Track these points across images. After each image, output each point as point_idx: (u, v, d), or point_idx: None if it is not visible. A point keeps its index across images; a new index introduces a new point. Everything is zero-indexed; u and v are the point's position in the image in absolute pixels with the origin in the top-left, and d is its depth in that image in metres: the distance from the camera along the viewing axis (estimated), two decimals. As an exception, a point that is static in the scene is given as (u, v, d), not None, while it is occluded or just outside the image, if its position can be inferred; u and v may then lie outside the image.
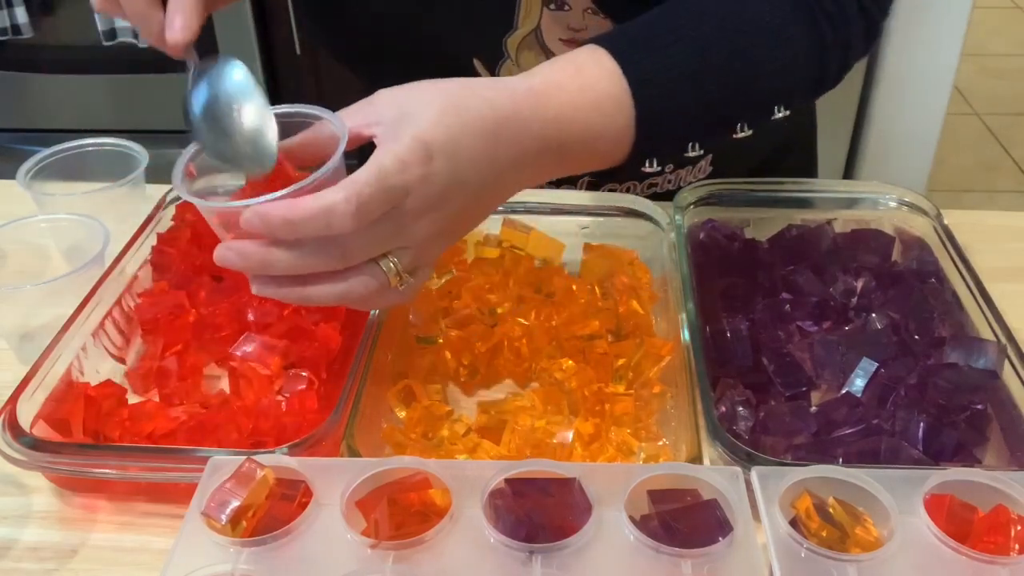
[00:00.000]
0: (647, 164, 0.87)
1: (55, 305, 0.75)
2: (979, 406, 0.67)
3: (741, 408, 0.68)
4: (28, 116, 2.22)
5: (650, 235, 0.86)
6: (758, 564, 0.53)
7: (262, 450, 0.62)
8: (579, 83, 0.64)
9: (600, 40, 0.67)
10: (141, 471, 0.63)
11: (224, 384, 0.74)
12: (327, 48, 1.00)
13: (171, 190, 0.91)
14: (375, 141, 0.58)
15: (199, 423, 0.67)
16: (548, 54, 0.85)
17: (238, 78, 0.62)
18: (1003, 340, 0.71)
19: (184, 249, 0.84)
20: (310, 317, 0.76)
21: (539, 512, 0.54)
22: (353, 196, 0.54)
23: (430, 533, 0.54)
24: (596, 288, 0.79)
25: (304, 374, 0.71)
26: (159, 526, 0.64)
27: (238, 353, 0.72)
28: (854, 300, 0.79)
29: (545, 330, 0.76)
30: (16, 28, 2.04)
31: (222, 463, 0.58)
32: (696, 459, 0.62)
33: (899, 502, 0.55)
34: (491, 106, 0.60)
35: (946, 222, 0.84)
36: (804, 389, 0.71)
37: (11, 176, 0.89)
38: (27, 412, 0.66)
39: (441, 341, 0.76)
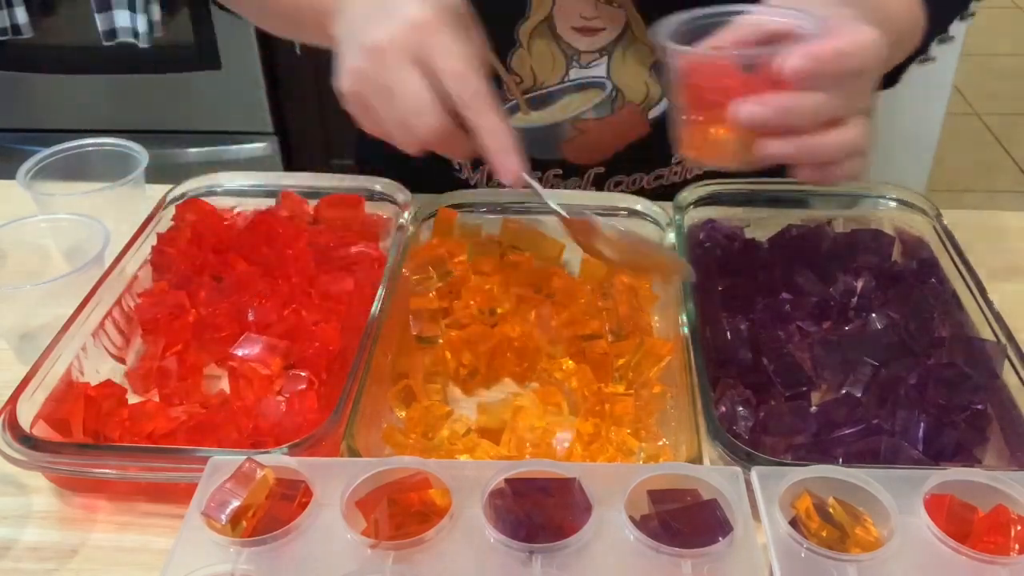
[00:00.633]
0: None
1: (55, 305, 0.75)
2: (979, 406, 0.67)
3: (741, 408, 0.68)
4: (28, 116, 2.22)
5: (650, 235, 0.86)
6: (758, 564, 0.53)
7: (262, 450, 0.62)
8: None
9: None
10: (141, 471, 0.63)
11: (224, 384, 0.74)
12: None
13: (171, 190, 0.91)
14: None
15: (199, 423, 0.67)
16: (560, 42, 0.86)
17: None
18: (1003, 340, 0.71)
19: (184, 249, 0.84)
20: (310, 317, 0.76)
21: (539, 512, 0.54)
22: (878, 34, 0.57)
23: (430, 533, 0.54)
24: (597, 288, 0.79)
25: (304, 374, 0.71)
26: (159, 526, 0.64)
27: (238, 353, 0.72)
28: (854, 300, 0.79)
29: (545, 330, 0.76)
30: (16, 28, 2.04)
31: (222, 463, 0.58)
32: (696, 459, 0.62)
33: (899, 502, 0.55)
34: None
35: (946, 222, 0.84)
36: (804, 389, 0.71)
37: (11, 176, 0.89)
38: (27, 412, 0.66)
39: (441, 341, 0.76)
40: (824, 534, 0.54)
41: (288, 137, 2.29)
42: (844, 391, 0.71)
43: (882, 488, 0.55)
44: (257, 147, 2.23)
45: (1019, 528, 0.54)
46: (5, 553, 0.62)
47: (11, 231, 0.82)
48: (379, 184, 0.91)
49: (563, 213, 0.70)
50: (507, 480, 0.56)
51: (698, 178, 0.96)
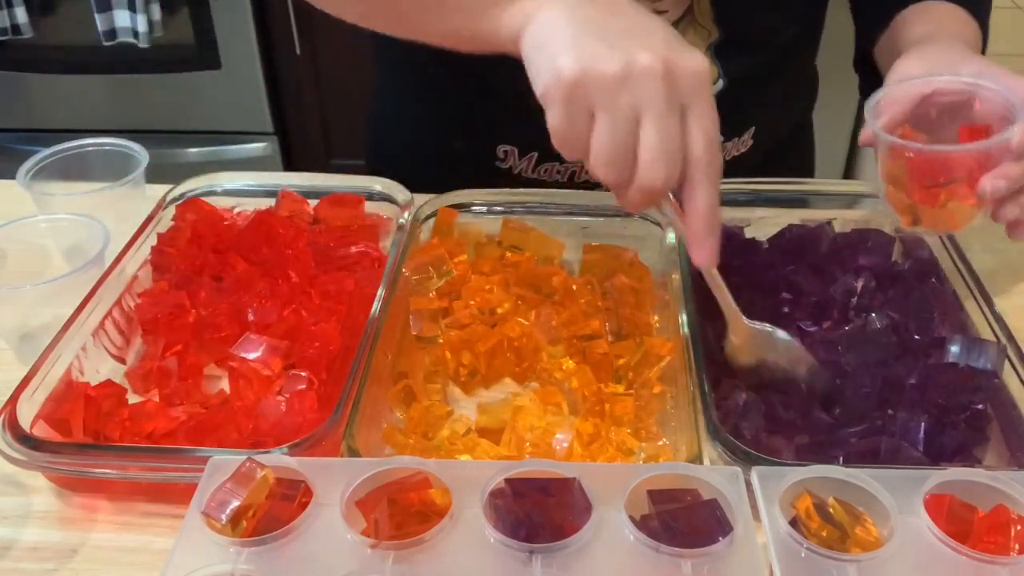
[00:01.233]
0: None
1: (55, 305, 0.75)
2: (979, 406, 0.67)
3: (742, 408, 0.68)
4: (28, 116, 2.22)
5: (650, 235, 0.86)
6: (758, 564, 0.52)
7: (262, 450, 0.62)
8: None
9: None
10: (141, 471, 0.63)
11: (224, 384, 0.74)
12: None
13: (171, 190, 0.91)
14: None
15: (199, 423, 0.67)
16: None
17: None
18: (1003, 340, 0.71)
19: (184, 249, 0.84)
20: (310, 317, 0.76)
21: (539, 512, 0.54)
22: None
23: (430, 533, 0.54)
24: (596, 288, 0.79)
25: (304, 374, 0.71)
26: (159, 526, 0.64)
27: (238, 353, 0.72)
28: (854, 300, 0.79)
29: (545, 330, 0.76)
30: (16, 28, 2.04)
31: (222, 463, 0.58)
32: (696, 459, 0.62)
33: (899, 502, 0.55)
34: None
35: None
36: (805, 389, 0.71)
37: (11, 176, 0.89)
38: (27, 412, 0.66)
39: (441, 341, 0.76)
40: (824, 534, 0.54)
41: (288, 137, 2.29)
42: (844, 391, 0.70)
43: (882, 488, 0.55)
44: (257, 147, 2.23)
45: (1019, 528, 0.54)
46: (5, 553, 0.62)
47: (11, 231, 0.82)
48: (379, 184, 0.91)
49: (742, 319, 0.70)
50: (507, 480, 0.56)
51: (738, 159, 0.98)
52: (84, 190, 0.88)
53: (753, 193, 0.89)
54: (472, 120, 0.97)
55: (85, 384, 0.70)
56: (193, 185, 0.92)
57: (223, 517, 0.54)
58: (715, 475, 0.57)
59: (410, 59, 0.99)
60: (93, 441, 0.67)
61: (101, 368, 0.75)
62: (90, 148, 0.93)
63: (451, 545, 0.54)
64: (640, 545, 0.53)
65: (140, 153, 0.92)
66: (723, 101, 0.90)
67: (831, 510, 0.55)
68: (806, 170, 1.12)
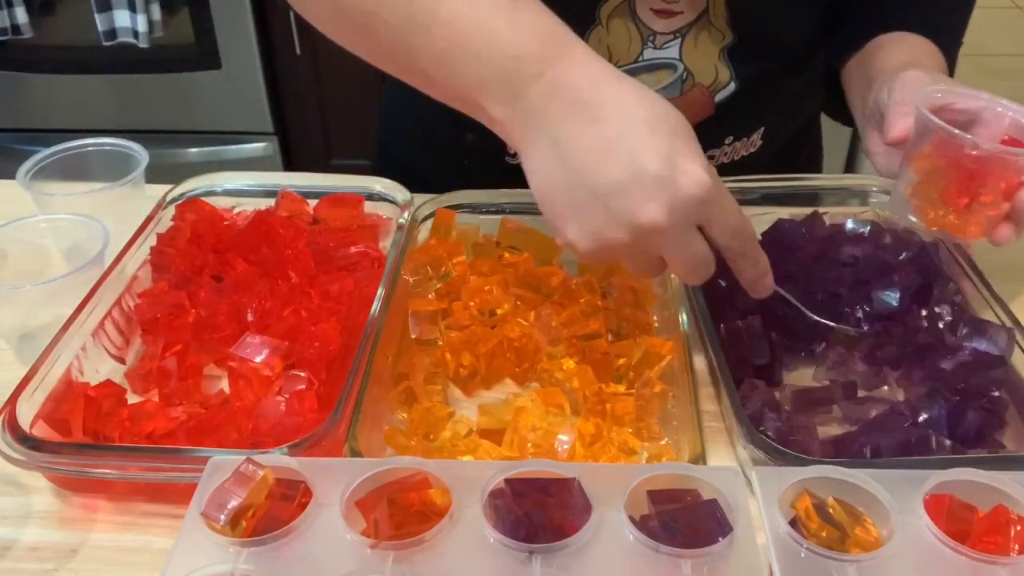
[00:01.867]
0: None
1: (55, 305, 0.75)
2: (995, 392, 0.68)
3: (767, 408, 0.68)
4: (28, 116, 2.22)
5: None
6: (758, 564, 0.52)
7: (262, 450, 0.62)
8: None
9: None
10: (141, 471, 0.63)
11: (224, 384, 0.74)
12: None
13: (171, 190, 0.91)
14: None
15: (199, 423, 0.67)
16: (637, 22, 0.86)
17: None
18: (1009, 324, 0.72)
19: (184, 249, 0.84)
20: (310, 317, 0.76)
21: (539, 512, 0.54)
22: None
23: (430, 533, 0.54)
24: (596, 288, 0.79)
25: (304, 374, 0.71)
26: (159, 526, 0.64)
27: (238, 353, 0.72)
28: (857, 294, 0.79)
29: (545, 330, 0.76)
30: (16, 28, 2.04)
31: (222, 463, 0.58)
32: (699, 458, 0.62)
33: (899, 502, 0.55)
34: None
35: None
36: (829, 386, 0.71)
37: (11, 176, 0.89)
38: (27, 412, 0.66)
39: (441, 342, 0.76)
40: (824, 534, 0.54)
41: (288, 137, 2.29)
42: (866, 385, 0.71)
43: (882, 488, 0.55)
44: (257, 147, 2.23)
45: (1019, 528, 0.53)
46: (5, 553, 0.62)
47: (11, 231, 0.82)
48: (379, 184, 0.91)
49: (829, 323, 0.74)
50: (507, 480, 0.56)
51: (747, 159, 0.99)
52: (84, 190, 0.88)
53: (743, 191, 0.89)
54: None
55: (85, 384, 0.70)
56: (193, 185, 0.92)
57: (223, 517, 0.54)
58: (715, 475, 0.57)
59: None
60: (93, 441, 0.67)
61: (101, 368, 0.75)
62: (90, 148, 0.93)
63: (451, 545, 0.54)
64: (640, 545, 0.53)
65: (140, 153, 0.92)
66: (734, 102, 0.91)
67: (831, 510, 0.55)
68: (814, 170, 1.12)
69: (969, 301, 0.77)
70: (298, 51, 2.13)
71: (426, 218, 0.88)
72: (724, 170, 0.95)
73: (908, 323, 0.75)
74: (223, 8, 2.05)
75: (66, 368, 0.71)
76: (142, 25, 2.00)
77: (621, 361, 0.74)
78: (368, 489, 0.57)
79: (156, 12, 2.01)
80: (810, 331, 0.75)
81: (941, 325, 0.74)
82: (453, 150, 0.99)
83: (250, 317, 0.76)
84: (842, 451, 0.66)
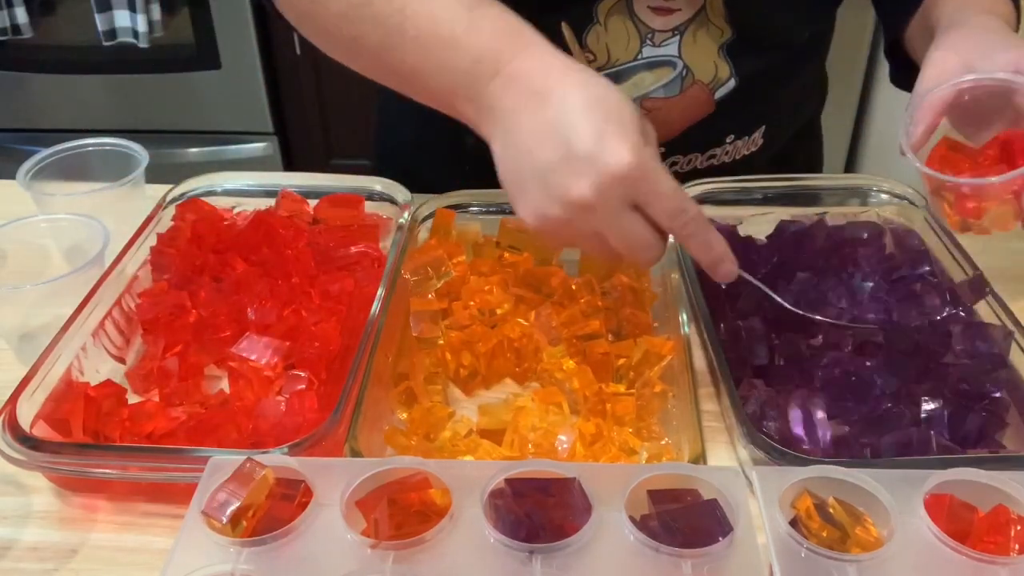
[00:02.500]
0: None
1: (55, 305, 0.75)
2: (996, 392, 0.68)
3: (767, 407, 0.68)
4: (28, 116, 2.22)
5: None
6: (758, 564, 0.52)
7: (262, 450, 0.62)
8: None
9: None
10: (141, 471, 0.63)
11: (224, 384, 0.74)
12: None
13: (171, 190, 0.91)
14: None
15: (199, 423, 0.67)
16: (636, 20, 0.87)
17: None
18: (1008, 324, 0.72)
19: (184, 249, 0.84)
20: (310, 317, 0.76)
21: (539, 512, 0.54)
22: None
23: (430, 533, 0.54)
24: (596, 288, 0.79)
25: (304, 374, 0.71)
26: (159, 526, 0.64)
27: (238, 353, 0.72)
28: (858, 295, 0.79)
29: (545, 330, 0.76)
30: (16, 28, 2.04)
31: (222, 463, 0.58)
32: (699, 458, 0.62)
33: (899, 502, 0.55)
34: None
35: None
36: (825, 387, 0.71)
37: (11, 176, 0.89)
38: (27, 412, 0.66)
39: (441, 342, 0.76)
40: (824, 534, 0.54)
41: (288, 137, 2.29)
42: (864, 383, 0.71)
43: (882, 488, 0.55)
44: (257, 147, 2.23)
45: (1019, 528, 0.53)
46: (5, 553, 0.62)
47: (11, 231, 0.82)
48: (379, 184, 0.91)
49: (810, 316, 0.73)
50: (507, 480, 0.56)
51: (748, 158, 0.99)
52: (84, 190, 0.88)
53: (744, 191, 0.90)
54: None
55: (85, 384, 0.70)
56: (193, 185, 0.92)
57: (223, 517, 0.54)
58: (715, 475, 0.57)
59: None
60: (93, 441, 0.67)
61: (101, 368, 0.75)
62: (90, 148, 0.94)
63: (451, 545, 0.54)
64: (640, 545, 0.53)
65: (140, 153, 0.92)
66: (734, 99, 0.91)
67: (831, 510, 0.55)
68: (814, 170, 1.12)
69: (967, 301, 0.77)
70: (298, 51, 2.13)
71: (426, 218, 0.88)
72: (725, 169, 0.96)
73: (908, 323, 0.75)
74: (223, 8, 2.05)
75: (66, 368, 0.71)
76: (142, 25, 2.00)
77: (621, 361, 0.74)
78: (368, 489, 0.57)
79: (156, 12, 2.01)
80: (809, 331, 0.75)
81: (941, 325, 0.74)
82: (452, 153, 0.99)
83: (250, 317, 0.76)
84: (842, 451, 0.66)
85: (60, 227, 0.84)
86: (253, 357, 0.72)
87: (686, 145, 0.95)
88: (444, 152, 1.01)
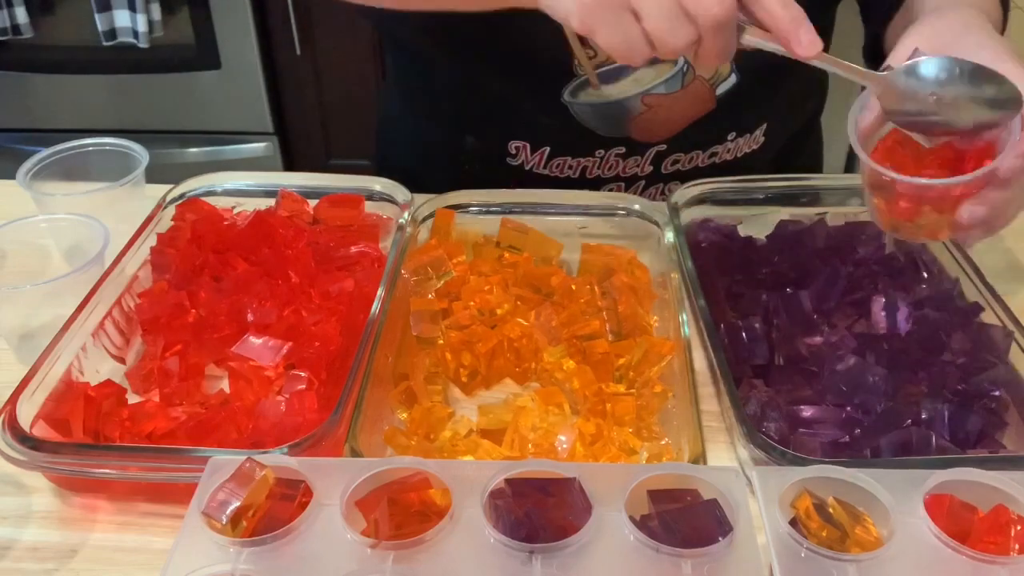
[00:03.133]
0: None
1: (55, 305, 0.75)
2: (995, 392, 0.68)
3: (767, 408, 0.68)
4: (28, 116, 2.22)
5: (648, 235, 0.86)
6: (758, 564, 0.52)
7: (262, 450, 0.62)
8: None
9: None
10: (141, 471, 0.63)
11: (224, 384, 0.74)
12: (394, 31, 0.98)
13: (171, 190, 0.91)
14: None
15: (199, 423, 0.67)
16: None
17: None
18: (1009, 325, 0.72)
19: (184, 249, 0.84)
20: (310, 317, 0.76)
21: (539, 512, 0.54)
22: None
23: (430, 533, 0.54)
24: (596, 288, 0.79)
25: (304, 374, 0.71)
26: (159, 526, 0.64)
27: (239, 353, 0.72)
28: (859, 294, 0.79)
29: (545, 330, 0.76)
30: (16, 28, 2.04)
31: (222, 463, 0.58)
32: (699, 458, 0.62)
33: (899, 502, 0.55)
34: None
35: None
36: (831, 386, 0.71)
37: (11, 176, 0.89)
38: (27, 412, 0.66)
39: (441, 342, 0.76)
40: (824, 534, 0.54)
41: (288, 137, 2.29)
42: (865, 384, 0.71)
43: (882, 488, 0.55)
44: (257, 147, 2.23)
45: (1019, 528, 0.54)
46: (5, 553, 0.62)
47: (11, 231, 0.82)
48: (379, 184, 0.91)
49: (877, 74, 0.67)
50: (507, 480, 0.56)
51: (750, 156, 0.99)
52: (84, 190, 0.88)
53: (745, 191, 0.90)
54: (483, 117, 0.97)
55: (85, 384, 0.70)
56: (193, 185, 0.92)
57: (223, 517, 0.54)
58: (715, 475, 0.57)
59: (420, 57, 0.99)
60: (93, 441, 0.67)
61: (101, 368, 0.75)
62: (90, 148, 0.94)
63: (451, 545, 0.54)
64: (640, 545, 0.53)
65: (140, 153, 0.92)
66: (736, 97, 0.91)
67: (831, 510, 0.55)
68: (814, 169, 1.12)
69: (969, 301, 0.77)
70: (298, 51, 2.12)
71: (426, 218, 0.88)
72: (727, 168, 0.96)
73: (908, 323, 0.75)
74: (223, 8, 2.05)
75: (66, 368, 0.71)
76: (142, 25, 2.00)
77: (621, 361, 0.74)
78: (368, 489, 0.57)
79: (156, 12, 2.01)
80: (809, 330, 0.76)
81: (941, 325, 0.74)
82: (453, 155, 0.99)
83: (250, 317, 0.76)
84: (842, 451, 0.66)
85: (60, 227, 0.84)
86: (253, 357, 0.72)
87: (688, 142, 0.95)
88: (445, 156, 1.01)
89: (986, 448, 0.65)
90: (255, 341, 0.73)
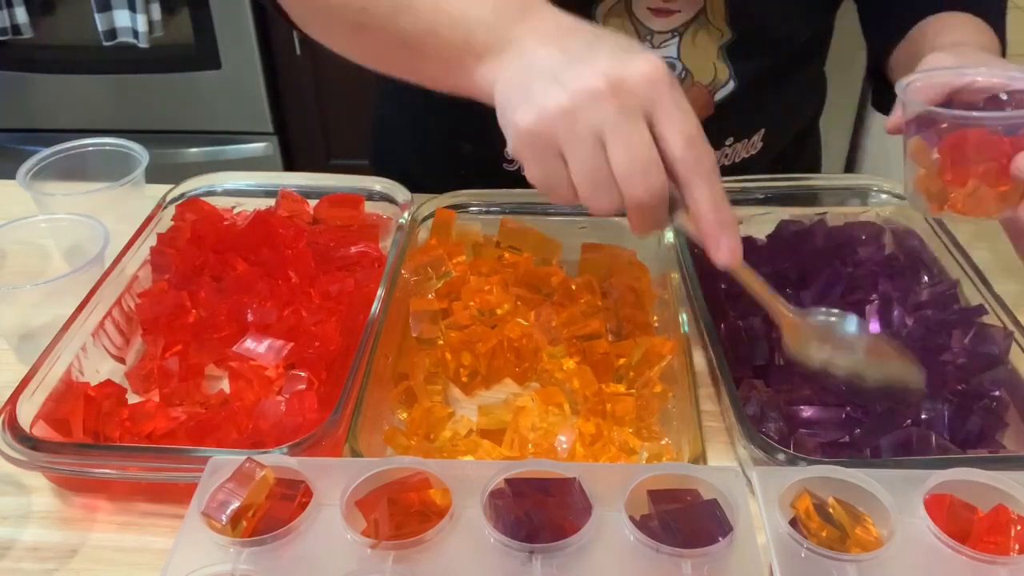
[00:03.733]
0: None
1: (55, 305, 0.75)
2: (996, 392, 0.68)
3: (767, 408, 0.68)
4: (28, 116, 2.22)
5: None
6: (758, 564, 0.52)
7: (262, 450, 0.62)
8: None
9: None
10: (141, 471, 0.63)
11: (224, 384, 0.74)
12: None
13: (171, 190, 0.91)
14: None
15: (199, 423, 0.67)
16: (635, 23, 0.87)
17: None
18: (1009, 325, 0.72)
19: (184, 249, 0.84)
20: (310, 317, 0.76)
21: (539, 512, 0.54)
22: None
23: (430, 533, 0.54)
24: (596, 288, 0.79)
25: (304, 374, 0.71)
26: (159, 526, 0.64)
27: (239, 353, 0.72)
28: (859, 294, 0.79)
29: (545, 330, 0.76)
30: (16, 28, 2.04)
31: (222, 463, 0.58)
32: (699, 458, 0.62)
33: (899, 502, 0.55)
34: None
35: (945, 222, 0.84)
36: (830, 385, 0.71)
37: (11, 176, 0.89)
38: (27, 412, 0.66)
39: (441, 342, 0.76)
40: (824, 534, 0.54)
41: (288, 137, 2.29)
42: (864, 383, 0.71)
43: (882, 488, 0.55)
44: (257, 147, 2.23)
45: (1019, 528, 0.53)
46: (5, 553, 0.62)
47: (11, 231, 0.82)
48: (379, 184, 0.91)
49: (789, 312, 0.66)
50: (507, 480, 0.56)
51: (748, 161, 0.99)
52: (84, 190, 0.88)
53: (744, 191, 0.90)
54: (479, 123, 0.97)
55: (85, 384, 0.70)
56: (193, 185, 0.92)
57: (223, 517, 0.54)
58: (715, 475, 0.57)
59: None
60: (93, 441, 0.67)
61: (101, 368, 0.75)
62: (90, 148, 0.93)
63: (451, 545, 0.54)
64: (640, 545, 0.53)
65: (140, 153, 0.92)
66: (734, 102, 0.91)
67: (831, 510, 0.55)
68: (813, 171, 1.13)
69: (969, 301, 0.77)
70: (298, 51, 2.13)
71: (426, 218, 0.88)
72: (725, 172, 0.95)
73: (908, 323, 0.75)
74: (223, 8, 2.05)
75: (66, 368, 0.71)
76: (142, 25, 2.00)
77: (621, 361, 0.74)
78: (368, 489, 0.57)
79: (156, 12, 2.01)
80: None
81: (941, 325, 0.74)
82: (450, 161, 0.99)
83: (250, 317, 0.76)
84: (842, 451, 0.66)
85: (60, 227, 0.84)
86: (253, 357, 0.72)
87: None
88: (442, 161, 1.01)
89: (986, 448, 0.65)
90: (255, 341, 0.73)
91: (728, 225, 0.59)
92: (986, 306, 0.75)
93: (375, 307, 0.75)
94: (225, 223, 0.89)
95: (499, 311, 0.78)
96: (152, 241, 0.85)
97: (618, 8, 0.86)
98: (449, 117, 1.00)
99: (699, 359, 0.74)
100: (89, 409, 0.67)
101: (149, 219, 0.87)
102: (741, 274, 0.64)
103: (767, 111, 0.97)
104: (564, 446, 0.66)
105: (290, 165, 2.31)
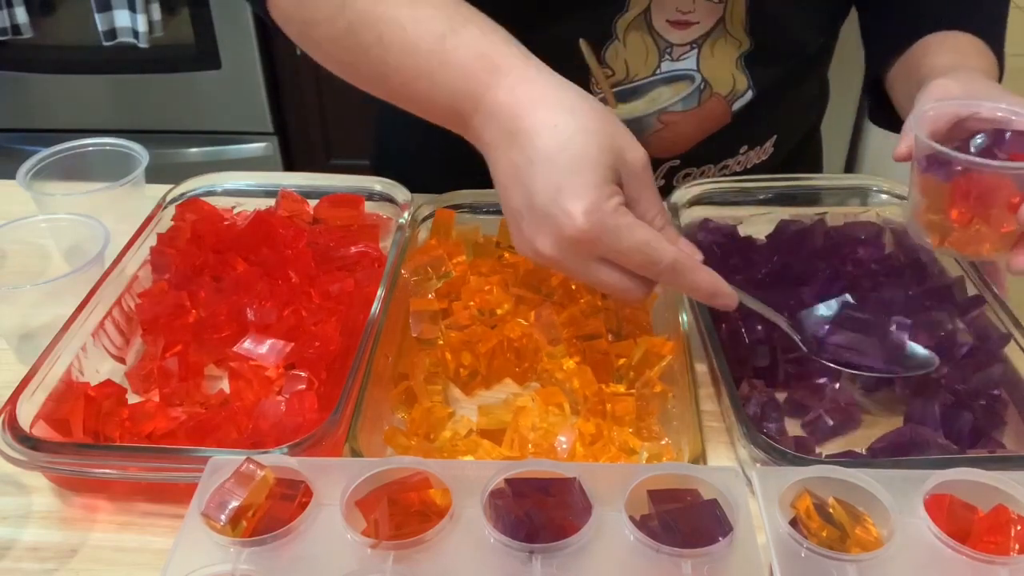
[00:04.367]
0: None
1: (55, 305, 0.75)
2: (995, 391, 0.68)
3: (767, 408, 0.68)
4: (28, 116, 2.22)
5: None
6: (758, 564, 0.52)
7: (262, 450, 0.62)
8: None
9: None
10: (141, 471, 0.63)
11: (224, 384, 0.74)
12: None
13: (171, 190, 0.91)
14: None
15: (199, 423, 0.67)
16: (654, 35, 0.87)
17: None
18: (1009, 325, 0.72)
19: (184, 249, 0.84)
20: (310, 317, 0.76)
21: (539, 512, 0.54)
22: None
23: (430, 533, 0.54)
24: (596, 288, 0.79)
25: (304, 374, 0.71)
26: (159, 526, 0.64)
27: (239, 353, 0.72)
28: (859, 294, 0.79)
29: (545, 330, 0.76)
30: (16, 28, 2.04)
31: (222, 463, 0.58)
32: (699, 458, 0.62)
33: (899, 502, 0.55)
34: None
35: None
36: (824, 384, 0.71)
37: (11, 176, 0.89)
38: (27, 412, 0.66)
39: (441, 342, 0.76)
40: (824, 534, 0.54)
41: (288, 137, 2.29)
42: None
43: (882, 488, 0.55)
44: (257, 147, 2.23)
45: (1019, 528, 0.53)
46: (5, 553, 0.62)
47: (11, 231, 0.82)
48: (379, 184, 0.91)
49: (789, 330, 0.72)
50: (507, 480, 0.56)
51: (758, 166, 0.99)
52: (84, 190, 0.88)
53: (744, 192, 0.90)
54: None
55: (85, 384, 0.70)
56: (193, 185, 0.92)
57: (223, 517, 0.54)
58: (715, 475, 0.57)
59: None
60: (93, 441, 0.67)
61: (101, 368, 0.75)
62: (90, 148, 0.93)
63: (451, 545, 0.54)
64: (640, 545, 0.53)
65: (140, 153, 0.92)
66: (751, 111, 0.92)
67: (831, 510, 0.55)
68: (814, 171, 1.13)
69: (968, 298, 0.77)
70: (298, 51, 2.12)
71: (426, 218, 0.88)
72: (736, 176, 0.96)
73: (907, 323, 0.75)
74: (223, 8, 2.05)
75: (66, 368, 0.71)
76: (142, 25, 2.00)
77: (621, 361, 0.74)
78: (368, 489, 0.57)
79: (156, 12, 2.01)
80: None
81: (941, 326, 0.74)
82: (450, 161, 0.99)
83: (250, 317, 0.76)
84: (841, 453, 0.66)
85: (60, 227, 0.84)
86: (253, 357, 0.72)
87: (700, 157, 0.96)
88: (444, 160, 1.01)
89: (986, 448, 0.65)
90: (255, 341, 0.73)
91: (713, 294, 0.65)
92: (987, 306, 0.75)
93: (375, 307, 0.75)
94: (225, 223, 0.89)
95: (499, 311, 0.78)
96: (152, 241, 0.85)
97: (638, 22, 0.86)
98: None
99: (699, 359, 0.74)
100: (89, 409, 0.67)
101: (149, 219, 0.87)
102: (745, 304, 0.69)
103: (780, 118, 0.97)
104: (564, 446, 0.66)
105: (290, 165, 2.31)
